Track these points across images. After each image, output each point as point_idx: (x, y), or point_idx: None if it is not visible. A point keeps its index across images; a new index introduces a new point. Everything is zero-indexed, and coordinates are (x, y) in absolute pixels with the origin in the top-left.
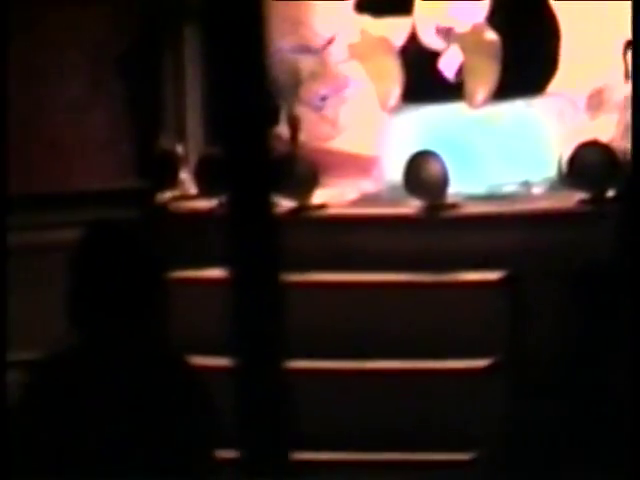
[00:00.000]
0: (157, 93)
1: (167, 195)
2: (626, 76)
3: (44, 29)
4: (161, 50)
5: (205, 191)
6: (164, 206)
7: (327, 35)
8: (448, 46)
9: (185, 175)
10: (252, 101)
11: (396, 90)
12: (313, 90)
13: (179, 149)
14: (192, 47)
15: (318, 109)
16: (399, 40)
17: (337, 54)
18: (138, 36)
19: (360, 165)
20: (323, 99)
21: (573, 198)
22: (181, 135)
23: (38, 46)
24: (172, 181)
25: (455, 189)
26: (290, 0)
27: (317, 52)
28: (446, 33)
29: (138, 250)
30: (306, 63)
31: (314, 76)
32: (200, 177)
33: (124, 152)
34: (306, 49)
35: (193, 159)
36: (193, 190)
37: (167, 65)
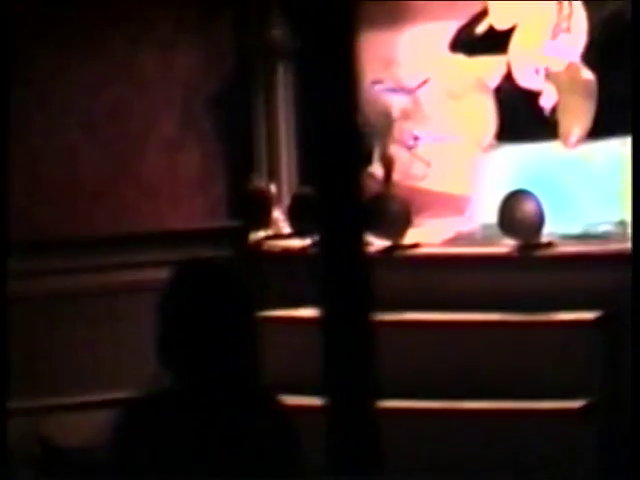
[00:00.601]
0: (250, 132)
1: (260, 234)
2: None
3: (138, 68)
4: (254, 89)
5: (298, 230)
6: (257, 245)
7: (421, 75)
8: (543, 85)
9: (278, 214)
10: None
11: (491, 129)
12: (407, 130)
13: (272, 188)
14: (285, 86)
15: (411, 148)
16: (494, 79)
17: (431, 93)
18: (231, 75)
19: (453, 204)
20: (416, 139)
21: None
22: (274, 174)
23: (131, 85)
24: (265, 220)
25: (550, 228)
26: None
27: (411, 92)
28: (542, 73)
29: (230, 290)
30: (399, 103)
31: (407, 116)
32: (293, 216)
33: (216, 192)
34: (400, 89)
35: (286, 198)
36: (286, 229)
37: (260, 104)
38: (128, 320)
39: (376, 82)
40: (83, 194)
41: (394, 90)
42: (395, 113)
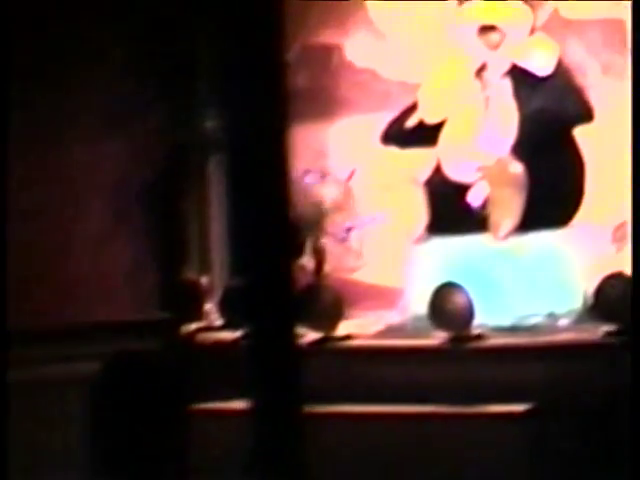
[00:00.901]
0: (181, 224)
1: (192, 327)
2: None
3: (65, 162)
4: (186, 181)
5: (230, 322)
6: (189, 338)
7: (352, 166)
8: (473, 179)
9: (210, 306)
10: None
11: (421, 221)
12: (338, 222)
13: (204, 280)
14: (217, 178)
15: (343, 240)
16: (424, 172)
17: (363, 185)
18: (163, 167)
19: (385, 296)
20: (348, 230)
21: (599, 330)
22: (206, 266)
23: (59, 178)
24: (197, 312)
25: (480, 321)
26: None
27: (342, 184)
28: (471, 166)
29: (160, 382)
30: (331, 194)
31: (339, 207)
32: (225, 308)
33: (147, 284)
34: (331, 180)
35: (218, 290)
36: (218, 321)
37: (191, 196)
38: (57, 413)
39: (307, 174)
40: (11, 286)
41: (325, 182)
42: (326, 205)
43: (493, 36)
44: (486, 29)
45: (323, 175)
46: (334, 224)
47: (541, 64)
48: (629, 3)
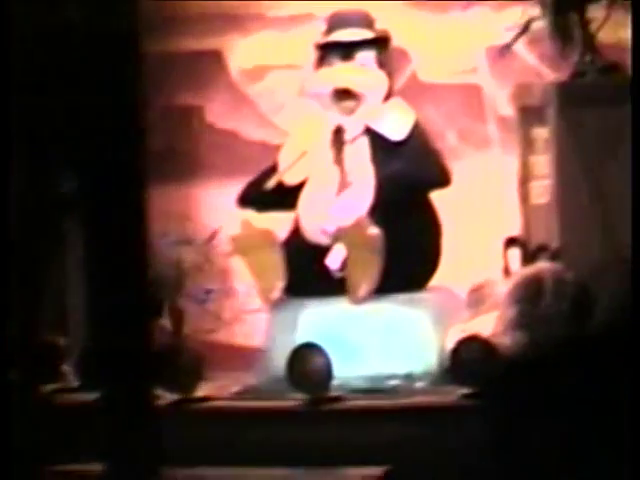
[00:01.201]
0: (38, 286)
1: (48, 388)
2: (505, 272)
3: None
4: (42, 241)
5: (87, 383)
6: (45, 399)
7: (211, 228)
8: (332, 241)
9: (67, 367)
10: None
11: (279, 284)
12: (197, 283)
13: (61, 341)
14: (73, 240)
15: (202, 302)
16: (282, 234)
17: (221, 247)
18: (17, 227)
19: (244, 358)
20: (207, 292)
21: (454, 393)
22: (63, 327)
23: None
24: (53, 373)
25: (338, 382)
26: None
27: (201, 245)
28: (330, 228)
29: (14, 443)
30: (189, 256)
31: (198, 269)
32: (82, 369)
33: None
34: (189, 242)
35: (76, 351)
36: (75, 382)
37: (48, 257)
38: None
39: (166, 235)
40: None
41: (184, 243)
42: (185, 267)
43: (348, 100)
44: (341, 93)
45: (183, 237)
46: (193, 286)
47: (395, 129)
48: (487, 70)
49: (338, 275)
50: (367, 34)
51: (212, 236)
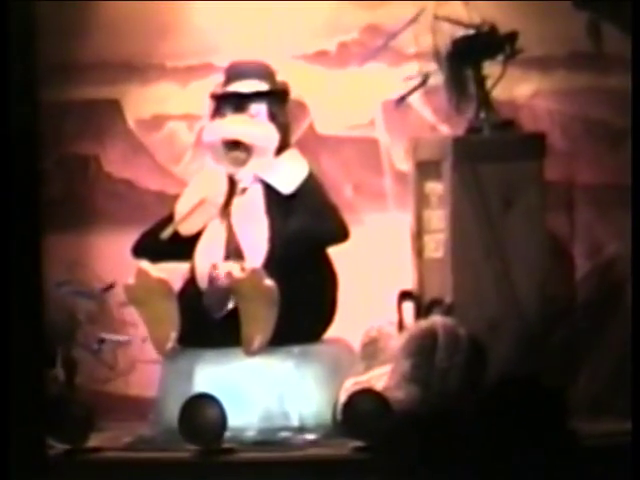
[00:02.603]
0: None
1: None
2: (399, 326)
3: None
4: None
5: None
6: None
7: (106, 277)
8: (223, 290)
9: None
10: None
11: (173, 334)
12: (91, 333)
13: None
14: None
15: (95, 352)
16: (178, 283)
17: (117, 297)
18: None
19: (137, 408)
20: (101, 342)
21: (347, 446)
22: None
23: None
24: None
25: (231, 434)
26: None
27: (96, 295)
28: (224, 277)
29: None
30: (84, 306)
31: (92, 319)
32: None
33: None
34: (85, 292)
35: None
36: None
37: None
38: None
39: (61, 284)
40: None
41: (79, 293)
42: (80, 316)
43: (238, 151)
44: (231, 144)
45: (78, 286)
46: (87, 335)
47: (286, 182)
48: (383, 123)
49: (219, 315)
50: (262, 86)
51: (109, 286)
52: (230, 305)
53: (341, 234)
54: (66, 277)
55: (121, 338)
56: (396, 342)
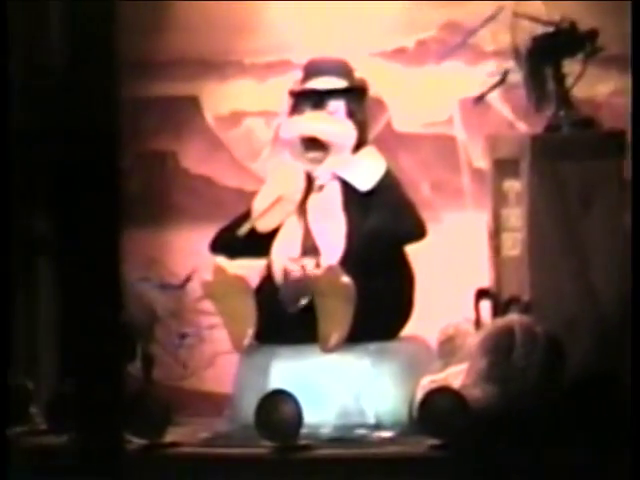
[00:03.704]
0: (7, 327)
1: (16, 430)
2: (476, 324)
3: None
4: (12, 283)
5: (56, 427)
6: (13, 441)
7: (184, 273)
8: (299, 285)
9: (35, 410)
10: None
11: (250, 330)
12: (170, 328)
13: (30, 384)
14: (46, 281)
15: (174, 347)
16: (255, 280)
17: (195, 292)
18: None
19: (213, 404)
20: (181, 337)
21: (424, 444)
22: (33, 370)
23: None
24: (22, 416)
25: (307, 431)
26: None
27: (174, 290)
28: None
29: None
30: (163, 301)
31: (171, 314)
32: (51, 413)
33: None
34: (163, 286)
35: (45, 394)
36: (43, 425)
37: (18, 299)
38: None
39: (141, 280)
40: None
41: (158, 287)
42: (159, 311)
43: (315, 148)
44: (308, 141)
45: (157, 281)
46: (166, 331)
47: (363, 179)
48: (461, 121)
49: (294, 310)
50: (340, 83)
51: (186, 280)
52: (305, 300)
53: (419, 232)
54: (144, 273)
55: (198, 334)
56: (473, 340)
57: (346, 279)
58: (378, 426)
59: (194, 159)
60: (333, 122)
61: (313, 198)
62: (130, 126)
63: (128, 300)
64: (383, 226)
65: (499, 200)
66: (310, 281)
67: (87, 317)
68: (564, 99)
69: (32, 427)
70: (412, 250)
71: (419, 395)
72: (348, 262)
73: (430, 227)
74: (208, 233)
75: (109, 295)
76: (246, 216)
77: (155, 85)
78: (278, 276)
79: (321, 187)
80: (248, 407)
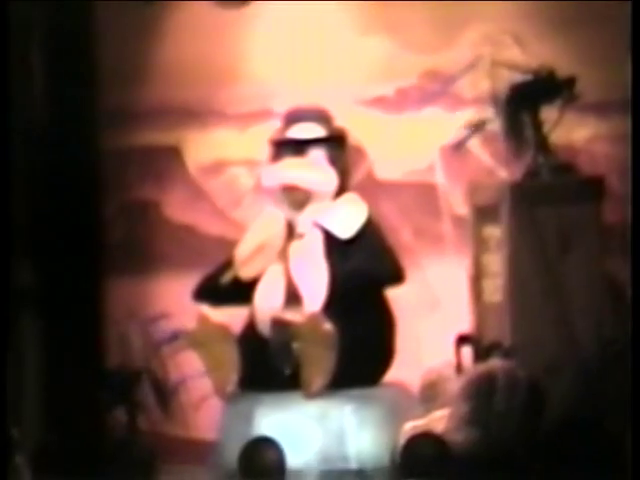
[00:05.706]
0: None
1: None
2: (458, 370)
3: None
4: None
5: (41, 476)
6: None
7: (167, 322)
8: (286, 334)
9: (20, 460)
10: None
11: (234, 377)
12: (153, 377)
13: (15, 433)
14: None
15: (159, 395)
16: (238, 327)
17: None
18: None
19: (198, 451)
20: (164, 385)
21: None
22: (18, 419)
23: None
24: (6, 466)
25: (291, 476)
26: None
27: (159, 342)
28: (285, 324)
29: None
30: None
31: (155, 363)
32: (36, 462)
33: None
34: (147, 336)
35: (30, 443)
36: (27, 476)
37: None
38: None
39: (124, 329)
40: None
41: (142, 337)
42: (143, 360)
43: (296, 196)
44: (289, 189)
45: (140, 330)
46: (150, 379)
47: (344, 226)
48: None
49: (287, 372)
50: (320, 131)
51: (172, 338)
52: (288, 371)
53: (397, 275)
54: (127, 320)
55: (182, 382)
56: (455, 385)
57: (328, 326)
58: (361, 472)
59: (176, 208)
60: (313, 170)
61: (294, 246)
62: (113, 176)
63: (111, 348)
64: (361, 269)
65: (480, 246)
66: (293, 329)
67: (71, 364)
68: (542, 145)
69: (17, 477)
70: (393, 296)
71: (402, 440)
72: (329, 308)
73: (411, 273)
74: (191, 281)
75: (92, 342)
76: (229, 264)
77: (137, 135)
78: (261, 324)
79: (302, 235)
80: (232, 454)
